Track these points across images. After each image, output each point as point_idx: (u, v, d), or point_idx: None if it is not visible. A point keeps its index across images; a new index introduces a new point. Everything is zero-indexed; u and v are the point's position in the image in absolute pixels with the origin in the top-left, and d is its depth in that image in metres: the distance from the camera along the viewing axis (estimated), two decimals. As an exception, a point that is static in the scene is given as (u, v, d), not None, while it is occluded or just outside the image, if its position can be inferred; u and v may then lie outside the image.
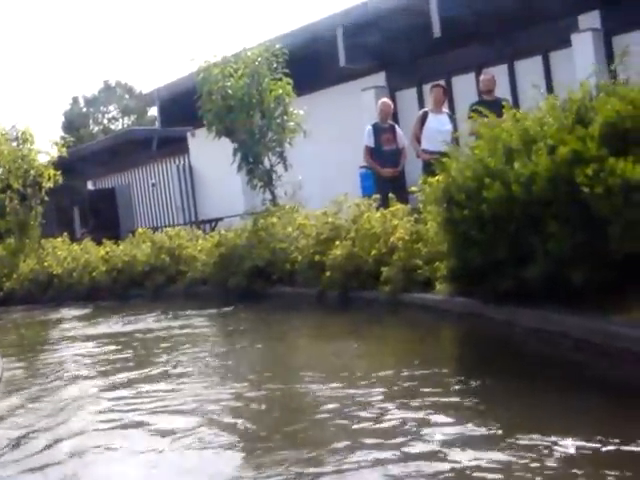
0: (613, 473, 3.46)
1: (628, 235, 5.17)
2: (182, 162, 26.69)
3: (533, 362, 5.84)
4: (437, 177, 7.62)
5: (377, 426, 4.47)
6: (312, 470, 3.88)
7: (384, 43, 16.81)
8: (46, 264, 17.45)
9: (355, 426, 4.51)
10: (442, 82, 14.48)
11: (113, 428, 5.08)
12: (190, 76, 15.21)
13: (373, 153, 13.34)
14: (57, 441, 4.88)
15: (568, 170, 5.58)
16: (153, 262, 14.56)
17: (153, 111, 35.86)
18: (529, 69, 15.81)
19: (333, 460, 3.97)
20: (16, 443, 4.93)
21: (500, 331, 6.76)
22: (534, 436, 3.97)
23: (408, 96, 18.36)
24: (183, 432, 4.73)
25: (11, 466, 4.44)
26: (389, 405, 4.92)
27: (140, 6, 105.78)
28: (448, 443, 4.03)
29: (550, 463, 3.62)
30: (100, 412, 5.57)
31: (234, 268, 12.05)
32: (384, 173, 13.10)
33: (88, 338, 9.87)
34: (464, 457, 3.82)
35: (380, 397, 5.14)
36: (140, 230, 16.36)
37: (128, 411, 5.53)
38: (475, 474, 3.61)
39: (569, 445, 3.79)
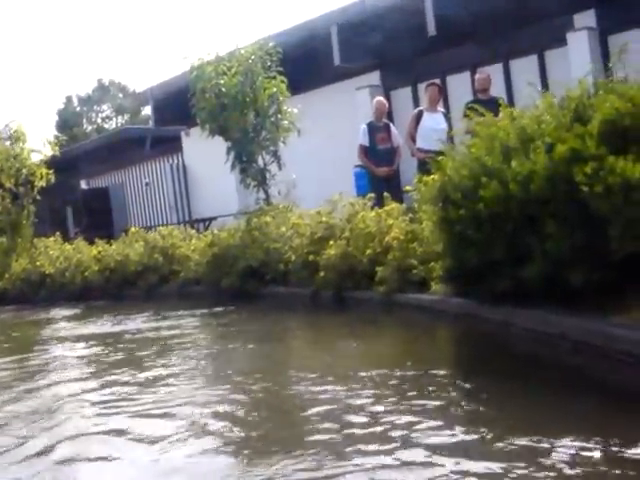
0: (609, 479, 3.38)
1: (628, 235, 5.07)
2: (176, 161, 26.62)
3: (530, 364, 5.74)
4: (433, 176, 7.53)
5: (366, 430, 4.37)
6: (299, 476, 3.79)
7: (379, 42, 16.71)
8: (38, 264, 17.42)
9: (344, 430, 4.40)
10: (437, 81, 14.35)
11: (97, 433, 4.90)
12: (184, 75, 15.15)
13: (368, 152, 13.28)
14: (39, 445, 4.74)
15: (566, 169, 5.48)
16: (146, 262, 14.52)
17: (147, 110, 35.83)
18: (524, 68, 15.75)
19: (321, 464, 3.88)
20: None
21: (496, 332, 6.66)
22: (528, 440, 3.88)
23: (403, 95, 18.31)
24: (167, 437, 4.59)
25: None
26: (379, 407, 4.82)
27: (135, 4, 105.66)
28: (438, 447, 3.93)
29: (544, 468, 3.53)
30: (84, 417, 5.40)
31: (227, 268, 11.99)
32: (379, 172, 13.05)
33: (76, 339, 9.76)
34: (453, 462, 3.72)
35: (371, 399, 5.03)
36: (133, 229, 16.31)
37: (112, 414, 5.38)
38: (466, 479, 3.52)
39: (564, 450, 3.69)
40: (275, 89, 13.73)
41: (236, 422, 4.82)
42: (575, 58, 14.16)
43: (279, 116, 13.84)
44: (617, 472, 3.43)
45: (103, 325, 10.91)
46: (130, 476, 4.16)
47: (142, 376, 6.74)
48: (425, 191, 7.71)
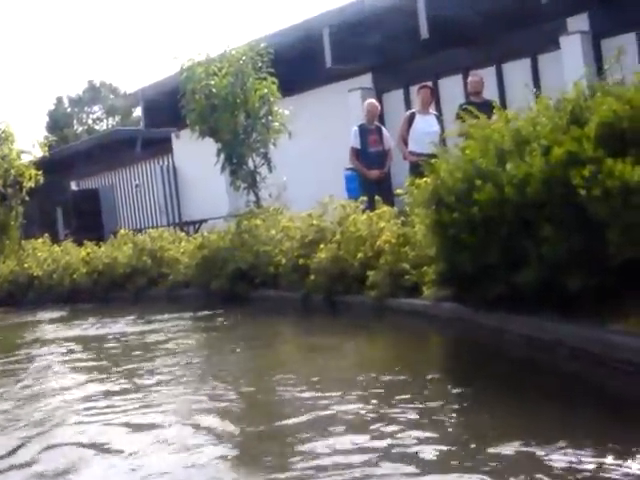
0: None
1: (627, 239, 4.96)
2: (166, 163, 26.51)
3: (524, 371, 5.62)
4: (426, 179, 7.41)
5: (349, 436, 4.28)
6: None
7: (371, 44, 16.64)
8: (26, 265, 17.30)
9: (328, 439, 4.30)
10: (429, 83, 14.25)
11: (72, 444, 4.75)
12: (175, 76, 15.00)
13: (359, 154, 13.15)
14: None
15: (563, 171, 5.38)
16: (135, 264, 14.42)
17: (138, 112, 35.68)
18: (517, 71, 15.68)
19: (302, 475, 3.79)
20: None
21: (490, 338, 6.55)
22: (520, 448, 3.80)
23: (395, 98, 18.23)
24: (140, 449, 4.45)
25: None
26: (364, 413, 4.74)
27: (127, 5, 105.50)
28: (425, 455, 3.85)
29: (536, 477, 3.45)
30: (57, 425, 5.26)
31: (217, 271, 11.89)
32: (370, 175, 12.93)
33: (58, 341, 9.65)
34: (438, 468, 3.67)
35: (355, 405, 4.94)
36: (122, 231, 16.17)
37: (89, 423, 5.23)
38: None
39: (558, 459, 3.61)
40: (266, 90, 13.62)
41: (213, 432, 4.67)
42: (568, 62, 14.09)
43: (270, 118, 13.73)
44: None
45: (87, 328, 10.78)
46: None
47: (119, 382, 6.59)
48: (418, 194, 7.58)
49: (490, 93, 13.43)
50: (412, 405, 4.79)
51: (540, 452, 3.71)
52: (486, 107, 8.54)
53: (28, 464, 4.36)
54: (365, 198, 10.67)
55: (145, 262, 14.21)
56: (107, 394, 6.13)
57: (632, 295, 5.17)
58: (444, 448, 3.95)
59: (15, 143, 20.51)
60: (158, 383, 6.37)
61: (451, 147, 7.73)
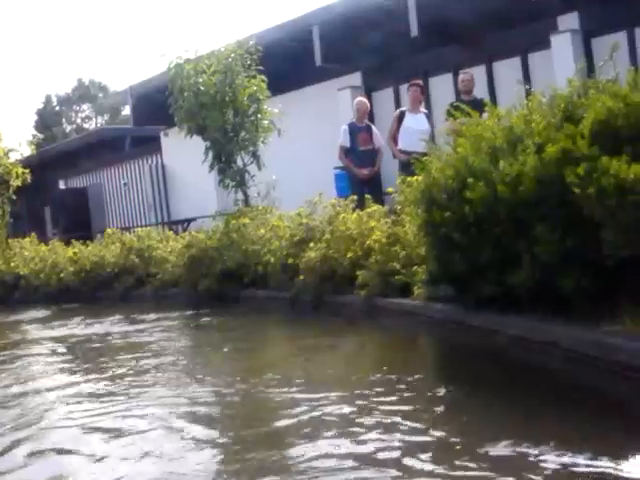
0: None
1: (622, 239, 4.87)
2: (155, 162, 26.39)
3: (516, 373, 5.50)
4: (416, 177, 7.32)
5: (334, 439, 4.20)
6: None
7: (361, 43, 16.58)
8: (13, 265, 17.24)
9: (312, 438, 4.24)
10: (419, 81, 14.15)
11: (50, 450, 4.59)
12: (164, 74, 14.89)
13: (349, 153, 13.06)
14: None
15: (557, 170, 5.29)
16: (122, 263, 14.40)
17: (127, 110, 35.59)
18: (507, 70, 15.62)
19: (286, 470, 3.77)
20: None
21: (481, 339, 6.43)
22: (509, 452, 3.72)
23: (384, 96, 18.18)
24: (113, 455, 4.33)
25: None
26: (349, 415, 4.65)
27: (117, 3, 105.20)
28: (409, 455, 3.79)
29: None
30: (33, 428, 5.12)
31: (205, 270, 11.81)
32: (360, 174, 12.85)
33: (38, 342, 9.56)
34: (420, 469, 3.60)
35: (341, 406, 4.86)
36: (109, 230, 16.07)
37: (62, 427, 5.09)
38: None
39: (548, 463, 3.53)
40: (255, 88, 13.51)
41: (196, 437, 4.53)
42: (559, 60, 14.09)
43: (259, 116, 13.62)
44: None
45: (71, 328, 10.64)
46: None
47: (98, 385, 6.42)
48: (409, 192, 7.50)
49: (480, 92, 13.36)
50: (398, 407, 4.70)
51: (530, 454, 3.64)
52: (477, 105, 8.46)
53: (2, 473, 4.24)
54: (355, 197, 10.57)
55: (133, 261, 14.17)
56: (86, 396, 5.97)
57: (627, 296, 5.08)
58: (430, 450, 3.88)
59: (2, 142, 20.34)
60: (139, 385, 6.21)
61: (442, 145, 7.64)
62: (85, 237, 17.84)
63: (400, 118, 12.79)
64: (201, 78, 13.44)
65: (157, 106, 17.02)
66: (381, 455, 3.86)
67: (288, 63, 17.20)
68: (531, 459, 3.59)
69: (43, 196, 31.70)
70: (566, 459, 3.55)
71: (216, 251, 11.86)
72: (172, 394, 5.79)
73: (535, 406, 4.55)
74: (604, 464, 3.46)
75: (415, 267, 7.86)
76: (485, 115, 7.02)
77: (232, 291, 11.25)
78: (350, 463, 3.78)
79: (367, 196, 10.20)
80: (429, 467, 3.65)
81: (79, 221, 26.75)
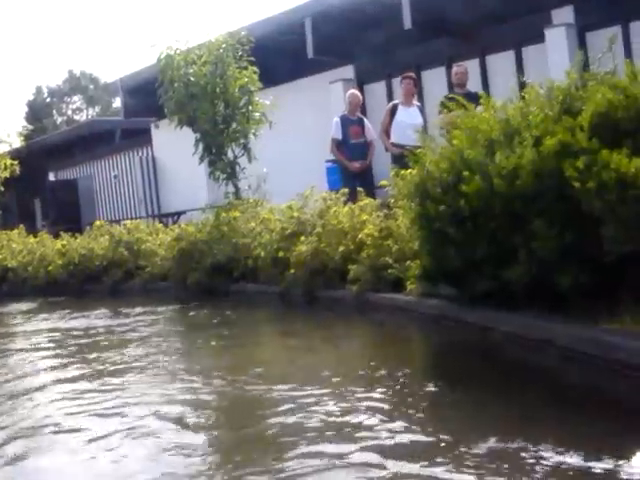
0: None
1: (622, 235, 4.75)
2: (145, 154, 26.25)
3: (510, 371, 5.39)
4: (410, 170, 7.19)
5: (316, 434, 4.13)
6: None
7: (353, 35, 16.49)
8: (0, 257, 17.12)
9: (298, 436, 4.13)
10: (412, 74, 14.02)
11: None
12: (154, 66, 14.73)
13: (340, 146, 12.93)
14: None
15: (555, 163, 5.17)
16: (111, 256, 14.33)
17: (118, 102, 35.40)
18: (501, 64, 15.53)
19: (267, 468, 3.69)
20: None
21: (475, 336, 6.31)
22: (494, 451, 3.63)
23: (377, 89, 18.06)
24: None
25: None
26: (335, 411, 4.54)
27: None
28: (389, 452, 3.72)
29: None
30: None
31: (194, 264, 11.74)
32: (352, 167, 12.73)
33: (19, 335, 9.51)
34: (402, 467, 3.52)
35: (327, 403, 4.73)
36: (98, 223, 15.92)
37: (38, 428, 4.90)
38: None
39: (540, 461, 3.44)
40: (246, 79, 13.38)
41: (170, 439, 4.38)
42: (553, 54, 14.00)
43: (250, 107, 13.51)
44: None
45: (54, 322, 10.52)
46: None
47: (76, 381, 6.24)
48: (402, 186, 7.38)
49: (474, 85, 13.26)
50: (388, 404, 4.61)
51: (525, 454, 3.55)
52: (471, 99, 8.33)
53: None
54: (346, 190, 10.45)
55: (122, 254, 14.09)
56: (58, 394, 5.78)
57: (627, 293, 4.97)
58: (419, 449, 3.80)
59: (-11, 133, 20.24)
60: (119, 384, 5.98)
61: (436, 138, 7.51)
62: (75, 229, 17.73)
63: (393, 111, 12.68)
64: (191, 69, 13.35)
65: (148, 98, 16.87)
66: (368, 454, 3.75)
67: (280, 55, 17.08)
68: (525, 459, 3.49)
69: (33, 188, 31.58)
70: (562, 459, 3.46)
71: (206, 244, 11.77)
72: (152, 392, 5.60)
73: (530, 405, 4.44)
74: (602, 465, 3.36)
75: (408, 262, 7.75)
76: (480, 108, 6.90)
77: (222, 285, 11.17)
78: (336, 462, 3.68)
79: (359, 189, 10.07)
80: (417, 467, 3.55)
81: (69, 213, 26.66)
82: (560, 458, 3.46)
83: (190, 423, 4.66)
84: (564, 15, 14.56)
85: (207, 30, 14.22)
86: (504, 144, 5.85)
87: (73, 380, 6.28)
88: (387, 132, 12.61)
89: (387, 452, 3.73)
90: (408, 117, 12.36)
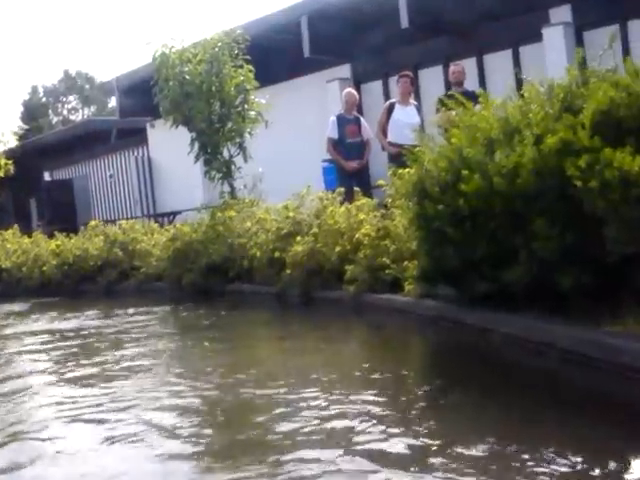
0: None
1: (625, 235, 4.67)
2: (141, 153, 26.17)
3: (510, 374, 5.29)
4: (408, 169, 7.10)
5: (307, 438, 4.04)
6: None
7: (350, 34, 16.44)
8: (-6, 257, 16.88)
9: (288, 438, 4.07)
10: (409, 72, 13.94)
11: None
12: (150, 65, 14.65)
13: (337, 145, 12.85)
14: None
15: (557, 162, 5.08)
16: (106, 256, 14.27)
17: (114, 102, 35.34)
18: (498, 62, 15.46)
19: (256, 474, 3.59)
20: None
21: (474, 338, 6.22)
22: (493, 456, 3.55)
23: (374, 88, 18.00)
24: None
25: None
26: (327, 413, 4.46)
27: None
28: (383, 458, 3.63)
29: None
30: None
31: (189, 264, 11.68)
32: (348, 167, 12.66)
33: (7, 337, 9.35)
34: (395, 474, 3.44)
35: (319, 404, 4.67)
36: (92, 223, 15.84)
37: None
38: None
39: (539, 466, 3.36)
40: (242, 78, 13.29)
41: (172, 452, 4.28)
42: (550, 53, 13.98)
43: (246, 106, 13.43)
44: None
45: (45, 323, 10.41)
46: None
47: (59, 385, 6.11)
48: (400, 185, 7.29)
49: (471, 84, 13.17)
50: (383, 408, 4.52)
51: (524, 459, 3.47)
52: (468, 97, 8.25)
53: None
54: (343, 189, 10.36)
55: (116, 254, 14.03)
56: (54, 396, 5.65)
57: (630, 295, 4.88)
58: (413, 450, 3.74)
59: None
60: (108, 388, 5.82)
61: (434, 136, 7.42)
62: (70, 229, 17.64)
63: (390, 110, 12.61)
64: (187, 67, 13.25)
65: (144, 97, 16.81)
66: (360, 460, 3.66)
67: (276, 54, 17.06)
68: (524, 464, 3.42)
69: (29, 188, 31.50)
70: (562, 463, 3.38)
71: (201, 244, 11.71)
72: (142, 396, 5.44)
73: (530, 409, 4.35)
74: (603, 470, 3.29)
75: (406, 262, 7.68)
76: (478, 107, 6.82)
77: (217, 285, 11.10)
78: (327, 468, 3.59)
79: (356, 188, 10.00)
80: (411, 473, 3.46)
81: (64, 213, 26.55)
82: (560, 462, 3.38)
83: (180, 428, 4.54)
84: (562, 14, 14.52)
85: (203, 28, 14.15)
86: (504, 142, 5.77)
87: (62, 383, 6.16)
88: (384, 131, 12.54)
89: (381, 458, 3.64)
90: (405, 116, 12.29)
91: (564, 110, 5.52)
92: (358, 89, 16.92)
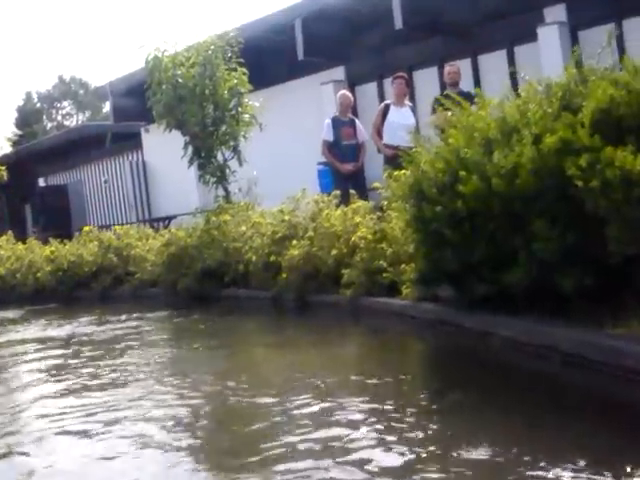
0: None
1: (627, 236, 4.58)
2: (135, 158, 26.10)
3: (510, 378, 5.22)
4: (404, 171, 7.02)
5: (300, 447, 3.98)
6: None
7: (344, 36, 16.37)
8: (-12, 264, 16.79)
9: (279, 446, 4.02)
10: (404, 74, 13.87)
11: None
12: (143, 70, 14.55)
13: (332, 148, 12.77)
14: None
15: (556, 161, 5.00)
16: (100, 262, 14.20)
17: (108, 107, 35.29)
18: (493, 63, 15.38)
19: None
20: None
21: (474, 341, 6.15)
22: (492, 461, 3.51)
23: (368, 90, 17.91)
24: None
25: None
26: (321, 420, 4.42)
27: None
28: (378, 466, 3.59)
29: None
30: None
31: (184, 269, 11.61)
32: (343, 169, 12.58)
33: (4, 344, 9.23)
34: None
35: (313, 411, 4.63)
36: (86, 228, 15.76)
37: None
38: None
39: (539, 472, 3.30)
40: (236, 81, 13.21)
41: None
42: (545, 53, 13.90)
43: (240, 110, 13.34)
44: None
45: (42, 330, 10.32)
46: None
47: (49, 394, 6.02)
48: (396, 187, 7.21)
49: (466, 85, 13.11)
50: (378, 415, 4.47)
51: (524, 465, 3.42)
52: (464, 98, 8.19)
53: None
54: (338, 192, 10.28)
55: (111, 260, 13.97)
56: (46, 408, 5.56)
57: (632, 296, 4.81)
58: (410, 457, 3.68)
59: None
60: (99, 397, 5.73)
61: (430, 137, 7.34)
62: (64, 235, 17.56)
63: (385, 112, 12.55)
64: (179, 70, 13.17)
65: (138, 102, 16.73)
66: (352, 469, 3.60)
67: (270, 57, 17.04)
68: (524, 469, 3.36)
69: (23, 194, 31.44)
70: (563, 469, 3.32)
71: (196, 249, 11.62)
72: (133, 406, 5.35)
73: (530, 413, 4.28)
74: (606, 476, 3.23)
75: (403, 265, 7.62)
76: (474, 108, 6.74)
77: (212, 290, 11.03)
78: (328, 475, 3.55)
79: (352, 191, 9.92)
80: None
81: (59, 219, 26.53)
82: (561, 468, 3.32)
83: (174, 440, 4.45)
84: (556, 13, 14.44)
85: (196, 31, 14.06)
86: (502, 142, 5.69)
87: (55, 393, 6.07)
88: (379, 133, 12.47)
89: (375, 466, 3.59)
90: (400, 117, 12.23)
91: (563, 109, 5.45)
92: (353, 91, 16.83)
